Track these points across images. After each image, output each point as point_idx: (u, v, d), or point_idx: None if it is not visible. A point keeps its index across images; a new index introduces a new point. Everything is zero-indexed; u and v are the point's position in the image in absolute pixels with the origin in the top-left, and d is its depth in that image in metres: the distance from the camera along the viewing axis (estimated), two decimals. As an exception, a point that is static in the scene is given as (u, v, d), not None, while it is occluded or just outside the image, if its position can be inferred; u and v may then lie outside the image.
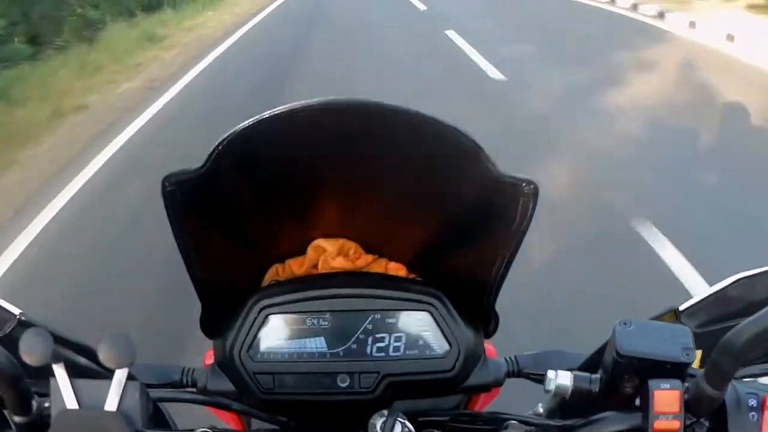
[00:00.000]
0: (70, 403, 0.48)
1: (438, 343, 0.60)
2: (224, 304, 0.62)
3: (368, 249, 0.67)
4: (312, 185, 0.60)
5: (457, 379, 0.60)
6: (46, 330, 0.47)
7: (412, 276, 0.66)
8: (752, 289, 0.60)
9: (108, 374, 0.48)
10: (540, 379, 0.55)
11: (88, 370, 0.56)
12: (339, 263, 0.65)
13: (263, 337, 0.60)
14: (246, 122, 0.51)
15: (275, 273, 0.67)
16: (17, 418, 0.50)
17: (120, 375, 0.47)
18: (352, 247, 0.66)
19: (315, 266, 0.66)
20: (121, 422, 0.47)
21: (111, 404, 0.47)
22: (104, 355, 0.46)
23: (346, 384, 0.59)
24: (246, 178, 0.58)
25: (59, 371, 0.48)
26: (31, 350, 0.46)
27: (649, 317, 0.57)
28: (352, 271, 0.64)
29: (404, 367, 0.59)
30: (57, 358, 0.47)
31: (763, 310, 0.44)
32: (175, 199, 0.53)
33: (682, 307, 0.60)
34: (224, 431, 0.60)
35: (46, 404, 0.50)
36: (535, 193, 0.52)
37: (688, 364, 0.48)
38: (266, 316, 0.60)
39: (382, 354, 0.59)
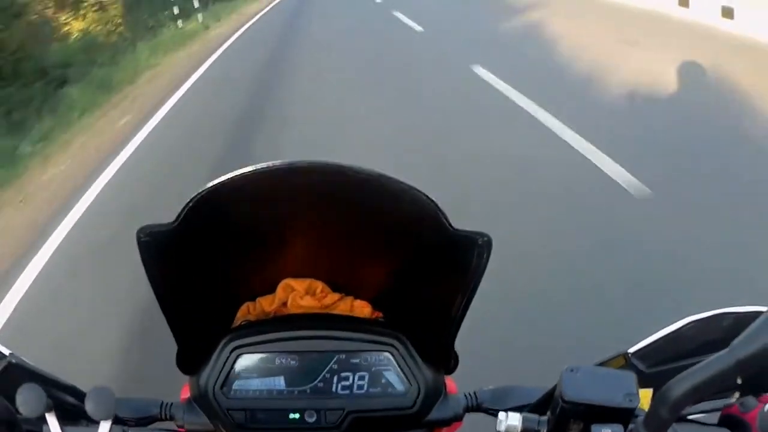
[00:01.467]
0: None
1: (399, 382, 0.63)
2: (198, 342, 0.65)
3: (335, 287, 0.70)
4: (280, 232, 0.64)
5: (419, 415, 0.63)
6: (38, 384, 0.51)
7: (376, 314, 0.69)
8: (704, 330, 0.63)
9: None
10: (496, 414, 0.58)
11: (77, 410, 0.60)
12: (307, 302, 0.67)
13: (235, 375, 0.63)
14: (214, 181, 0.54)
15: (246, 311, 0.69)
16: None
17: (104, 427, 0.52)
18: (319, 286, 0.69)
19: (284, 304, 0.68)
20: None
21: None
22: (90, 409, 0.51)
23: (314, 419, 0.62)
24: (217, 230, 0.61)
25: (51, 421, 0.52)
26: (26, 404, 0.50)
27: (597, 362, 0.60)
28: (318, 313, 0.67)
29: (367, 404, 0.62)
30: (49, 408, 0.51)
31: (702, 363, 0.47)
32: (149, 249, 0.57)
33: (632, 350, 0.63)
34: None
35: None
36: (489, 244, 0.56)
37: (631, 410, 0.51)
38: (238, 356, 0.63)
39: (347, 392, 0.63)
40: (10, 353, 0.61)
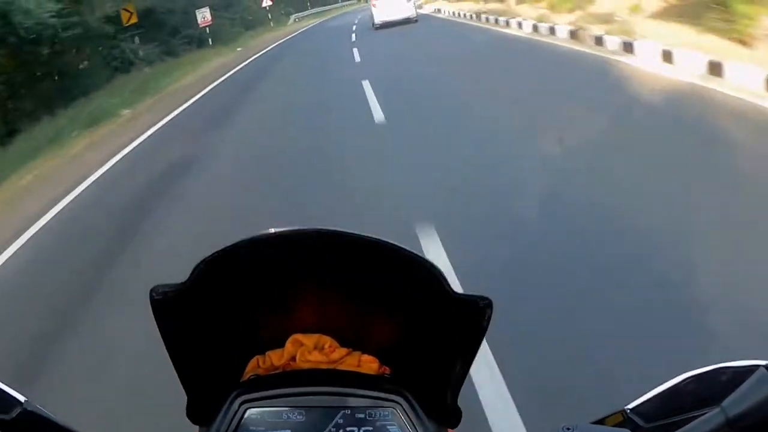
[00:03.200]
0: None
1: None
2: (208, 394, 0.67)
3: (343, 342, 0.72)
4: (288, 291, 0.67)
5: None
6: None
7: (383, 369, 0.71)
8: (703, 385, 0.62)
9: None
10: None
11: None
12: (315, 357, 0.69)
13: (243, 428, 0.65)
14: (224, 246, 0.57)
15: (256, 364, 0.71)
16: None
17: None
18: (327, 341, 0.70)
19: (293, 358, 0.70)
20: None
21: None
22: None
23: None
24: (226, 289, 0.64)
25: None
26: None
27: (593, 420, 0.61)
28: (325, 369, 0.69)
29: None
30: None
31: (694, 422, 0.47)
32: (162, 307, 0.60)
33: (630, 406, 0.63)
34: None
35: None
36: (490, 306, 0.58)
37: None
38: (246, 409, 0.65)
39: None
40: (25, 400, 0.61)
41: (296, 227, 0.57)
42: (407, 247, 0.57)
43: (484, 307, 0.58)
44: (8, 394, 0.60)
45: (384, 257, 0.58)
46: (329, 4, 55.50)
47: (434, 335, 0.65)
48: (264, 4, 30.74)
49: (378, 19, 19.33)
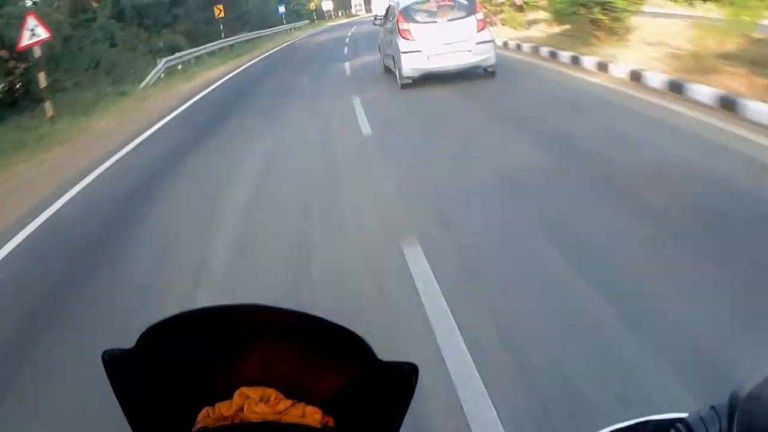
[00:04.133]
0: None
1: None
2: None
3: (287, 394, 0.75)
4: (233, 350, 0.71)
5: None
6: None
7: (326, 420, 0.75)
8: None
9: None
10: None
11: None
12: (261, 408, 0.73)
13: None
14: (165, 318, 0.62)
15: (206, 414, 0.75)
16: None
17: None
18: (272, 393, 0.74)
19: (241, 409, 0.74)
20: None
21: None
22: None
23: None
24: (174, 351, 0.68)
25: None
26: None
27: None
28: (270, 422, 0.73)
29: None
30: None
31: None
32: (113, 369, 0.65)
33: None
34: None
35: None
36: (415, 372, 0.63)
37: None
38: None
39: None
40: None
41: (235, 303, 0.62)
42: (336, 322, 0.61)
43: (408, 372, 0.62)
44: None
45: (314, 328, 0.63)
46: (267, 27, 34.99)
47: (367, 395, 0.69)
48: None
49: (409, 66, 9.26)
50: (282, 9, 39.06)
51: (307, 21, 48.23)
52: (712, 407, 0.54)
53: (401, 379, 0.63)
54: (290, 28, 39.71)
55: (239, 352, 0.71)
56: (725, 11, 8.78)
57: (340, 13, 73.60)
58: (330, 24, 51.08)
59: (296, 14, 49.00)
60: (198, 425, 0.75)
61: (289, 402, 0.75)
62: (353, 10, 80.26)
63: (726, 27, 8.36)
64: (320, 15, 60.37)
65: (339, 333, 0.62)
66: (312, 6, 54.27)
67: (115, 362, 0.65)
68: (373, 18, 23.35)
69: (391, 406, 0.65)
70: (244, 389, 0.74)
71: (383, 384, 0.64)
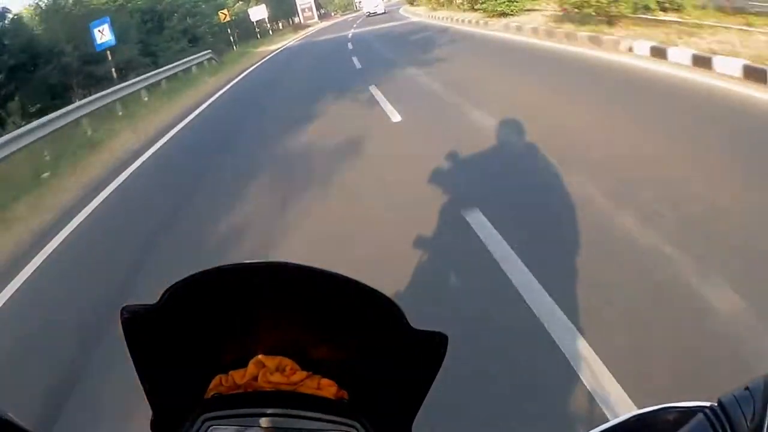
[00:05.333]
0: None
1: None
2: (172, 410, 0.69)
3: (303, 365, 0.74)
4: (252, 315, 0.70)
5: None
6: None
7: (341, 393, 0.74)
8: (650, 424, 0.64)
9: None
10: None
11: None
12: (276, 378, 0.72)
13: None
14: (194, 273, 0.60)
15: (219, 382, 0.73)
16: None
17: None
18: (288, 363, 0.73)
19: (255, 378, 0.73)
20: None
21: None
22: None
23: None
24: (193, 312, 0.66)
25: None
26: None
27: None
28: (286, 391, 0.72)
29: None
30: None
31: None
32: (131, 326, 0.64)
33: None
34: None
35: None
36: (445, 343, 0.61)
37: None
38: (209, 427, 0.68)
39: None
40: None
41: (264, 260, 0.60)
42: (367, 284, 0.60)
43: (439, 342, 0.61)
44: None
45: (344, 290, 0.61)
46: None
47: (391, 365, 0.68)
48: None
49: (365, 9, 30.70)
50: (105, 38, 15.46)
51: (208, 53, 22.59)
52: (747, 388, 0.53)
53: (432, 348, 0.62)
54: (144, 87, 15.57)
55: (260, 316, 0.70)
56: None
57: (280, 25, 48.16)
58: (265, 51, 27.80)
59: (185, 40, 26.28)
60: (210, 393, 0.73)
61: (304, 373, 0.74)
62: (301, 19, 51.79)
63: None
64: (247, 34, 35.20)
65: (372, 297, 0.61)
66: (222, 18, 28.66)
67: (133, 319, 0.63)
68: (367, 14, 25.67)
69: (422, 373, 0.64)
70: (261, 357, 0.73)
71: (414, 351, 0.63)
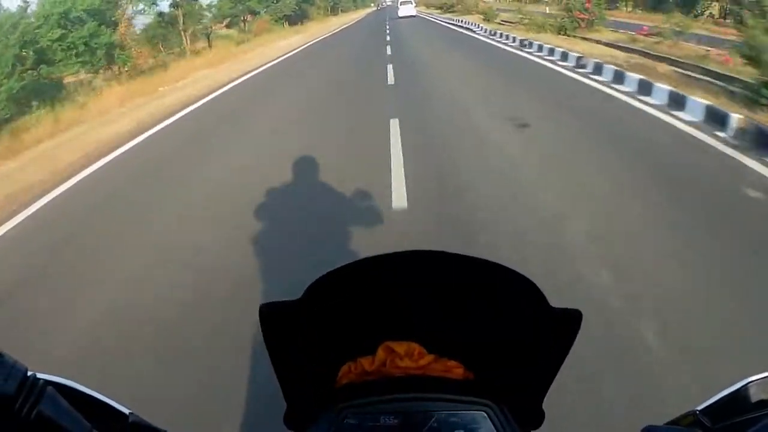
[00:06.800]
0: None
1: None
2: (305, 401, 0.72)
3: (430, 349, 0.76)
4: (384, 302, 0.72)
5: None
6: None
7: (467, 374, 0.75)
8: (764, 389, 0.66)
9: None
10: None
11: None
12: (405, 363, 0.74)
13: None
14: (338, 266, 0.63)
15: (348, 369, 0.76)
16: None
17: None
18: (416, 348, 0.75)
19: (383, 364, 0.75)
20: None
21: None
22: None
23: None
24: (331, 304, 0.69)
25: None
26: None
27: (667, 421, 0.66)
28: (418, 376, 0.74)
29: None
30: None
31: (762, 423, 0.53)
32: (270, 322, 0.66)
33: (699, 408, 0.67)
34: None
35: None
36: (580, 319, 0.63)
37: None
38: (344, 416, 0.70)
39: None
40: (130, 413, 0.63)
41: (402, 250, 0.62)
42: (508, 265, 0.61)
43: (575, 318, 0.63)
44: (113, 407, 0.62)
45: (484, 273, 0.63)
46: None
47: (524, 344, 0.70)
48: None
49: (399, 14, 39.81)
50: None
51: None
52: None
53: (567, 325, 0.64)
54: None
55: (393, 304, 0.72)
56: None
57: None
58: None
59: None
60: (341, 381, 0.76)
61: (431, 357, 0.75)
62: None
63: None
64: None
65: (512, 278, 0.62)
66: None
67: (273, 314, 0.66)
68: (376, 8, 25.48)
69: (555, 350, 0.66)
70: (389, 343, 0.75)
71: (549, 329, 0.65)
